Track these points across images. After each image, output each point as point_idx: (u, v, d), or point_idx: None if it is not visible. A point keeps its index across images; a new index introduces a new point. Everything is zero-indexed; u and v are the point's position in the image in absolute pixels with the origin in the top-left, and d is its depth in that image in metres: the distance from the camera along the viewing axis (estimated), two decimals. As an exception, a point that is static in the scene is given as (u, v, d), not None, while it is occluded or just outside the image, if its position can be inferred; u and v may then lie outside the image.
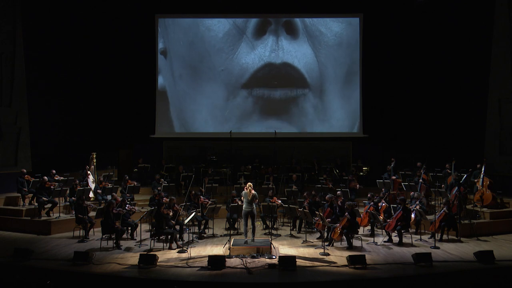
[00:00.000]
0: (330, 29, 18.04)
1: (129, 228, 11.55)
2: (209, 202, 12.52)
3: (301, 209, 11.17)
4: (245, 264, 9.12)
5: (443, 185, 13.55)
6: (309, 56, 18.04)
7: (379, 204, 12.20)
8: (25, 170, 13.17)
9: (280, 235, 12.06)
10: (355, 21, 18.10)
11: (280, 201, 12.69)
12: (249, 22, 18.07)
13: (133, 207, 12.42)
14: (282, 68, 18.01)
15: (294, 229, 12.45)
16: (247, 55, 18.11)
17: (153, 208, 11.13)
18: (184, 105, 18.32)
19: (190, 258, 9.64)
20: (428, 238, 11.42)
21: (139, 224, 11.20)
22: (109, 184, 13.98)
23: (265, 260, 9.42)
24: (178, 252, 10.20)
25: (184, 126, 18.35)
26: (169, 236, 10.63)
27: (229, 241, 10.27)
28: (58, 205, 12.57)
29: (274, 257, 9.63)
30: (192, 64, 18.22)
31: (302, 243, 11.19)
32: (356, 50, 18.08)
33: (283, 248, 10.65)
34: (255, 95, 18.13)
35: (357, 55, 18.07)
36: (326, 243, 10.59)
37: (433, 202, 13.34)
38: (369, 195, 12.32)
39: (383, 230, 11.50)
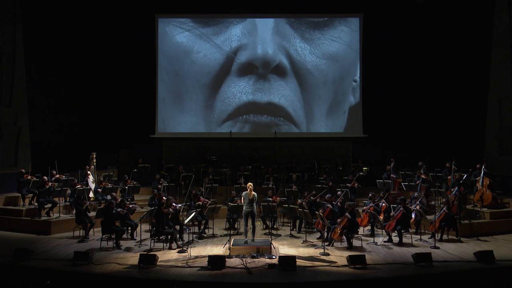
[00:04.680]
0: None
1: (129, 228, 11.55)
2: (209, 202, 12.52)
3: (301, 209, 11.17)
4: (245, 264, 9.12)
5: (443, 184, 13.55)
6: (295, 93, 17.98)
7: (379, 204, 12.20)
8: (23, 170, 13.15)
9: (280, 235, 12.06)
10: (355, 34, 18.12)
11: (279, 198, 12.83)
12: (237, 60, 17.96)
13: (134, 205, 12.44)
14: (267, 107, 17.99)
15: (294, 229, 12.45)
16: (230, 91, 18.07)
17: (153, 208, 11.13)
18: (164, 124, 18.39)
19: (190, 258, 9.65)
20: (428, 238, 11.42)
21: (139, 224, 11.20)
22: (109, 184, 13.99)
23: (265, 260, 9.42)
24: (178, 252, 10.20)
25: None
26: (169, 236, 10.63)
27: (229, 241, 10.27)
28: (58, 205, 12.57)
29: (274, 257, 9.63)
30: (176, 92, 18.24)
31: (302, 243, 11.18)
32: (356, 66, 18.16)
33: (283, 248, 10.64)
34: (241, 120, 18.15)
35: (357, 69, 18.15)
36: (326, 243, 10.59)
37: (433, 202, 13.34)
38: (370, 195, 12.33)
39: (383, 230, 11.50)
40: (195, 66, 18.10)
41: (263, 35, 17.94)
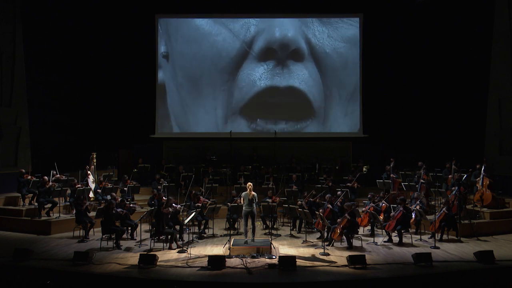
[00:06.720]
0: (335, 50, 18.08)
1: (129, 228, 11.55)
2: (209, 202, 12.52)
3: (301, 209, 11.17)
4: (245, 264, 9.12)
5: (443, 184, 13.53)
6: (315, 78, 17.95)
7: (379, 204, 12.20)
8: (23, 170, 13.16)
9: (280, 235, 12.06)
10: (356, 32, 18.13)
11: (279, 198, 12.84)
12: (254, 45, 17.95)
13: (134, 205, 12.44)
14: (286, 91, 17.89)
15: (294, 229, 12.45)
16: (249, 77, 18.03)
17: (153, 208, 11.14)
18: (184, 112, 18.34)
19: (190, 258, 9.65)
20: (428, 238, 11.42)
21: (139, 224, 11.20)
22: (109, 184, 13.99)
23: (265, 260, 9.42)
24: (178, 252, 10.21)
25: (183, 126, 18.36)
26: (169, 236, 10.63)
27: (229, 241, 10.27)
28: (58, 205, 12.57)
29: (274, 257, 9.63)
30: (193, 77, 18.17)
31: (302, 243, 11.18)
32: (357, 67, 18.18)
33: (283, 248, 10.64)
34: (253, 127, 18.12)
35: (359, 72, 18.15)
36: (326, 243, 10.59)
37: (433, 202, 13.34)
38: (369, 195, 12.33)
39: (383, 230, 11.50)
40: (213, 49, 18.06)
41: (280, 19, 18.07)
